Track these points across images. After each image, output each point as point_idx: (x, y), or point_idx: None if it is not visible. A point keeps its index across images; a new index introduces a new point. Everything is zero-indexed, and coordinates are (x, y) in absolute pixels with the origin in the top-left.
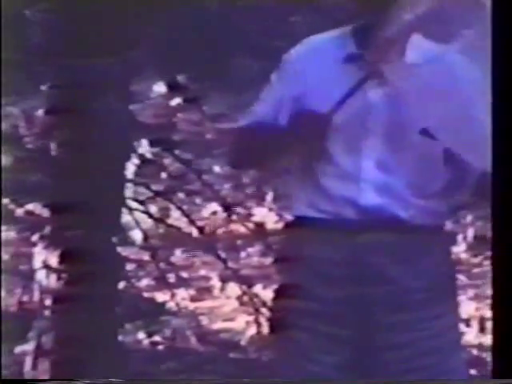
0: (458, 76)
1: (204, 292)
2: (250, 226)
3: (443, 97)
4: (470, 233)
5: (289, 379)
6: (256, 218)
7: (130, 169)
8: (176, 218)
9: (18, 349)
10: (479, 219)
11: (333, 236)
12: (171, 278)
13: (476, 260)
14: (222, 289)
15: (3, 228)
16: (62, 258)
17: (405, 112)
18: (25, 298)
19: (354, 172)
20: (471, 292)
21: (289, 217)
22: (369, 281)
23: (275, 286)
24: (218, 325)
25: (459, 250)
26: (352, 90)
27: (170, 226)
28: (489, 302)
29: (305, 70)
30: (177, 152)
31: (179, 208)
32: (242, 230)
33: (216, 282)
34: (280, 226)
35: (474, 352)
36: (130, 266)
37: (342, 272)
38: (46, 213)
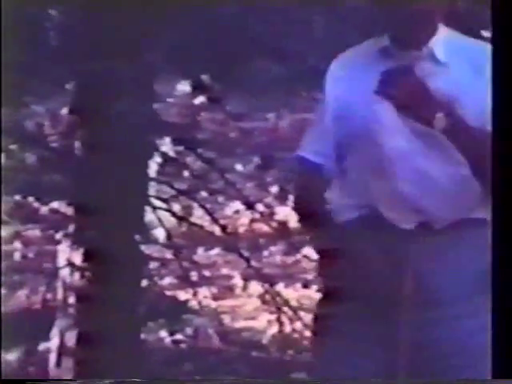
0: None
1: (226, 290)
2: (273, 224)
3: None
4: None
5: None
6: (279, 217)
7: (153, 167)
8: (199, 216)
9: (42, 346)
10: None
11: (371, 232)
12: (194, 276)
13: None
14: (245, 287)
15: (28, 226)
16: (86, 256)
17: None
18: (48, 296)
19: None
20: None
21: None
22: (405, 277)
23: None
24: (240, 323)
25: None
26: None
27: (193, 224)
28: None
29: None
30: (200, 151)
31: (202, 206)
32: (265, 228)
33: (238, 281)
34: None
35: None
36: (152, 265)
37: (378, 268)
38: (70, 211)
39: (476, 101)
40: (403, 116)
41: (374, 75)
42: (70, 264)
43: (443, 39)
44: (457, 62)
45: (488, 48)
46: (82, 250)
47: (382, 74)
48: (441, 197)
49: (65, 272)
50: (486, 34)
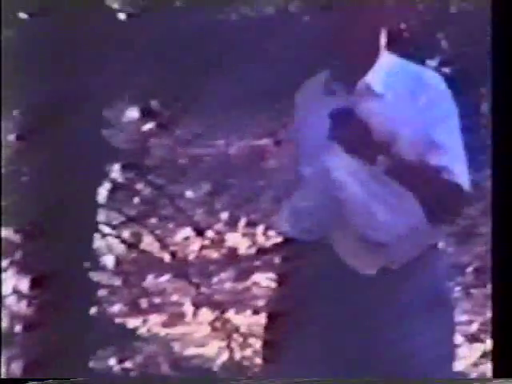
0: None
1: (176, 317)
2: (223, 251)
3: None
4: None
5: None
6: (229, 243)
7: (103, 194)
8: (148, 242)
9: None
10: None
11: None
12: (143, 303)
13: None
14: (195, 314)
15: None
16: (33, 284)
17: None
18: None
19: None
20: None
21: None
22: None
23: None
24: (191, 351)
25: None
26: None
27: (143, 251)
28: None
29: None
30: (149, 177)
31: (152, 233)
32: (215, 255)
33: (188, 308)
34: (253, 251)
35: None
36: (101, 292)
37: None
38: (17, 238)
39: (412, 129)
40: (351, 157)
41: (323, 116)
42: (17, 292)
43: (383, 68)
44: (393, 91)
45: (426, 74)
46: (29, 278)
47: (329, 116)
48: (395, 235)
49: (11, 300)
50: (432, 63)
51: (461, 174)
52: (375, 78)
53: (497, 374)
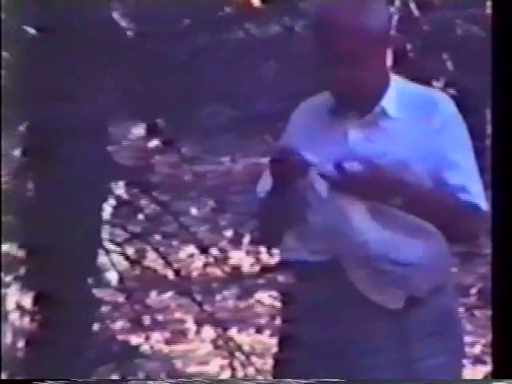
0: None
1: (179, 335)
2: (227, 269)
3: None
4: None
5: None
6: (232, 261)
7: (107, 210)
8: (152, 259)
9: None
10: None
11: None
12: (146, 320)
13: None
14: (197, 332)
15: None
16: (36, 300)
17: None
18: None
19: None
20: None
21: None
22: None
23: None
24: (192, 368)
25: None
26: None
27: (146, 267)
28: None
29: (299, 124)
30: (154, 194)
31: (155, 250)
32: (218, 272)
33: (191, 325)
34: (256, 269)
35: None
36: (104, 308)
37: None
38: (21, 254)
39: (427, 152)
40: (361, 200)
41: (332, 138)
42: (20, 307)
43: (395, 93)
44: (406, 114)
45: (436, 96)
46: (32, 294)
47: (335, 164)
48: (417, 266)
49: (14, 316)
50: (437, 84)
51: (478, 193)
52: (390, 101)
53: (497, 374)
